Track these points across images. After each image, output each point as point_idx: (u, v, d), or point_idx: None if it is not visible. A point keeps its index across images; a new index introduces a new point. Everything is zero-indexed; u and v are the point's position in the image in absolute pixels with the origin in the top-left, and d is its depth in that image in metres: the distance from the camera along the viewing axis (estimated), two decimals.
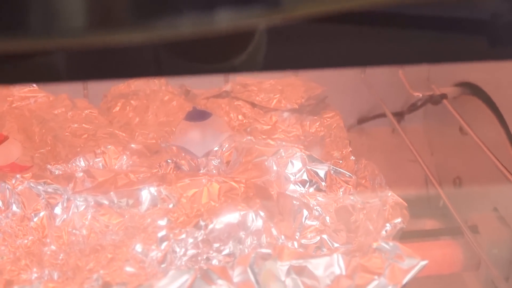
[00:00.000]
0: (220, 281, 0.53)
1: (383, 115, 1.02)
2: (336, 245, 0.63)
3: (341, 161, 0.74)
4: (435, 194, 0.89)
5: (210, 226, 0.61)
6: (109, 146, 0.72)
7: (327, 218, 0.65)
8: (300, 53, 0.44)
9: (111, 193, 0.64)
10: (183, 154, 0.74)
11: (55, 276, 0.60)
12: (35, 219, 0.64)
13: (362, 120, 1.05)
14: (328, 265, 0.55)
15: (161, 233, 0.60)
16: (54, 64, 0.42)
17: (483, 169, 0.83)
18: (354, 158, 0.74)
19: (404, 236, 0.76)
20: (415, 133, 1.02)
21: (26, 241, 0.63)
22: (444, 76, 0.94)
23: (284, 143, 0.74)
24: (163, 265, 0.59)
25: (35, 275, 0.60)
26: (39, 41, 0.39)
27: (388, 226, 0.63)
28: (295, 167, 0.70)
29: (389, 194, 0.65)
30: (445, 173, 0.98)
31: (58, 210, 0.64)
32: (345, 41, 0.44)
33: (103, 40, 0.39)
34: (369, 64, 0.52)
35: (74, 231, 0.63)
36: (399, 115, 1.02)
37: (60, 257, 0.62)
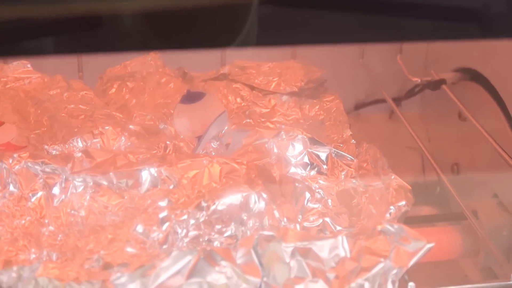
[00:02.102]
0: (223, 262, 0.52)
1: (380, 100, 1.01)
2: (338, 228, 0.63)
3: (341, 145, 0.73)
4: (432, 181, 0.88)
5: (212, 208, 0.60)
6: (107, 127, 0.71)
7: (329, 201, 0.65)
8: (297, 28, 0.44)
9: (111, 173, 0.63)
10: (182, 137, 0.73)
11: (54, 257, 0.59)
12: (33, 199, 0.63)
13: (359, 106, 1.05)
14: (333, 247, 0.54)
15: (162, 214, 0.59)
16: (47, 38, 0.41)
17: (482, 155, 0.83)
18: (354, 142, 0.73)
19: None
20: (411, 120, 1.02)
21: (23, 221, 0.62)
22: (443, 61, 0.93)
23: (283, 126, 0.73)
24: (164, 246, 0.58)
25: (33, 255, 0.59)
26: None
27: (392, 209, 0.62)
28: (296, 149, 0.69)
29: (392, 177, 0.65)
30: (443, 160, 0.98)
31: (56, 190, 0.63)
32: (342, 17, 0.44)
33: (98, 8, 0.39)
34: (366, 41, 0.52)
35: (72, 211, 0.62)
36: (396, 101, 1.01)
37: (59, 238, 0.61)
